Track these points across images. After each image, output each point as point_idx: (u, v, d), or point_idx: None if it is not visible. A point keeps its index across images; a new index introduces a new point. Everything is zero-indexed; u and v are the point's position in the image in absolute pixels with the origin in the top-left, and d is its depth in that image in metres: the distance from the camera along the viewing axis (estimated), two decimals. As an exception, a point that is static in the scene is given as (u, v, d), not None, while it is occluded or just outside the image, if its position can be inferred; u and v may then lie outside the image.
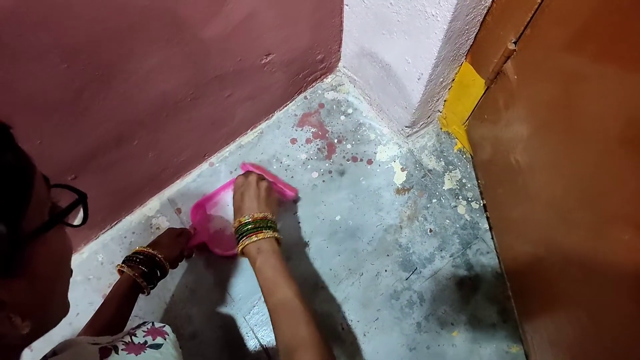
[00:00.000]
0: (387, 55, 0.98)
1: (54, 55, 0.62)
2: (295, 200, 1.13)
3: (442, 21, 0.74)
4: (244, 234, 0.78)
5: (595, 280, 0.66)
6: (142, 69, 0.75)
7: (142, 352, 0.59)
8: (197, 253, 1.10)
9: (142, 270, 0.83)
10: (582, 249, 0.69)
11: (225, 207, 1.13)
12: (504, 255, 1.07)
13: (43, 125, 0.71)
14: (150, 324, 0.66)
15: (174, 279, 1.08)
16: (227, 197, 1.13)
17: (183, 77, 0.84)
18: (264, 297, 0.73)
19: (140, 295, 0.85)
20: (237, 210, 0.83)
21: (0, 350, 0.38)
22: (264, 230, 0.78)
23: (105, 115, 0.78)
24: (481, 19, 0.81)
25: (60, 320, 0.45)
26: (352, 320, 1.04)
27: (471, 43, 0.87)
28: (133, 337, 0.61)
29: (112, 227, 1.12)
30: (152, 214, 1.13)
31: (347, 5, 0.99)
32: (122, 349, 0.58)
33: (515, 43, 0.77)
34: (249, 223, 0.79)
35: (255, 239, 0.76)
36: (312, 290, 1.06)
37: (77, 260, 1.09)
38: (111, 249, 1.10)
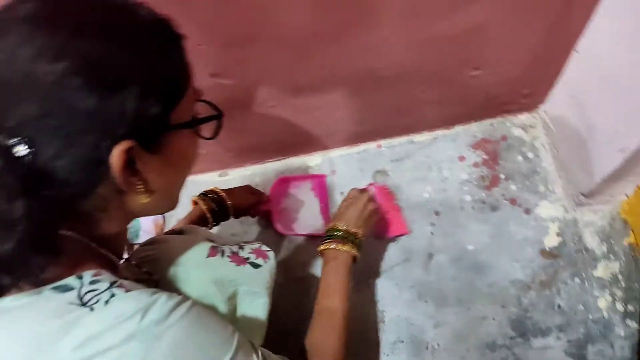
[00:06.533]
0: (597, 116, 0.92)
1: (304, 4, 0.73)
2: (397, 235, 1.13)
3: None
4: (332, 237, 0.87)
5: None
6: (370, 40, 0.83)
7: (242, 266, 0.67)
8: None
9: (212, 207, 0.95)
10: None
11: (305, 192, 1.21)
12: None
13: (274, 54, 0.84)
14: (259, 244, 0.74)
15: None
16: (309, 187, 1.21)
17: (393, 59, 0.90)
18: (317, 296, 0.81)
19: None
20: (339, 215, 0.91)
21: (117, 211, 0.48)
22: (348, 244, 0.85)
23: (321, 66, 0.89)
24: None
25: (167, 211, 0.55)
26: (438, 345, 1.03)
27: (701, 137, 0.78)
28: (240, 250, 0.70)
29: (279, 160, 1.26)
30: (312, 165, 1.24)
31: (577, 52, 0.95)
32: (227, 255, 0.66)
33: None
34: (340, 230, 0.87)
35: (339, 247, 0.85)
36: (414, 299, 1.07)
37: (240, 173, 1.25)
38: (268, 177, 1.24)
